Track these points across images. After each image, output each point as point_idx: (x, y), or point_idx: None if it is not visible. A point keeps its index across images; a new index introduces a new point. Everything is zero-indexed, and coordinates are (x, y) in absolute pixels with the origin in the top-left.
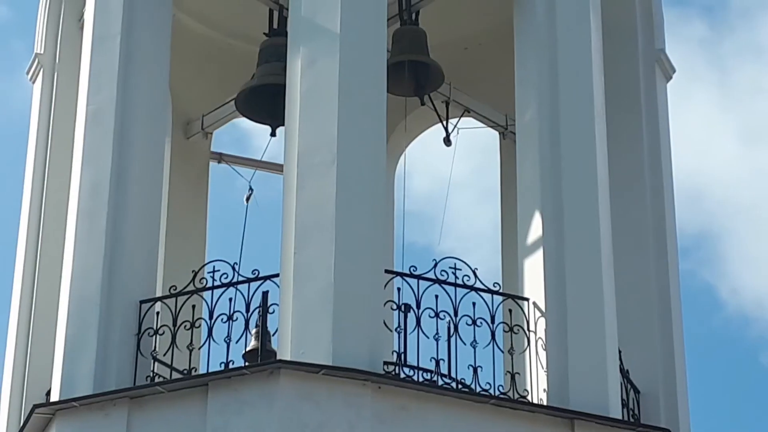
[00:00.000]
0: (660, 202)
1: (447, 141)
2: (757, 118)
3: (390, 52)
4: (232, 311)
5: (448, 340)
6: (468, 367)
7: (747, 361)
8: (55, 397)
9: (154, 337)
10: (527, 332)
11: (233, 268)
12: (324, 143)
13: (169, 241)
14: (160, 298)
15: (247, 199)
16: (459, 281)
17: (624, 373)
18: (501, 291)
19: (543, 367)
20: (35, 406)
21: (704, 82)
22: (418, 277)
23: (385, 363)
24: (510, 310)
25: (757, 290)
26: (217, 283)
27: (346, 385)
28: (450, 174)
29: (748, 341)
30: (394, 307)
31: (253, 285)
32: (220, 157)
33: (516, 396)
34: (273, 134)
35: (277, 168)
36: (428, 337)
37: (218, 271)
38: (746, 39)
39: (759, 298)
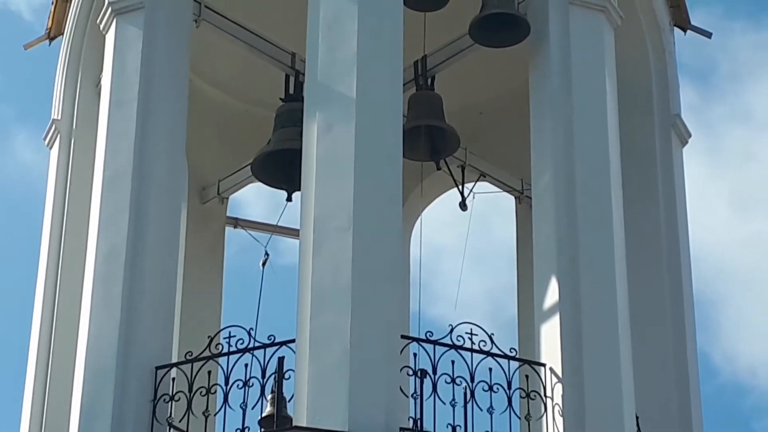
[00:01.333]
0: (677, 266)
1: (463, 205)
2: (749, 185)
3: (406, 117)
4: (247, 377)
5: (465, 406)
6: None
7: (740, 429)
8: None
9: (169, 403)
10: (544, 398)
11: (249, 334)
12: (340, 208)
13: (185, 307)
14: (175, 364)
15: (263, 264)
16: (475, 346)
17: None
18: (517, 356)
19: None
20: None
21: (695, 148)
22: (435, 343)
23: (402, 429)
24: (527, 376)
25: (751, 358)
26: (232, 348)
27: None
28: (466, 238)
29: (742, 409)
30: (411, 372)
31: (269, 351)
32: (236, 222)
33: None
34: (289, 199)
35: (293, 233)
36: (445, 403)
37: (234, 336)
38: (735, 105)
39: (753, 365)
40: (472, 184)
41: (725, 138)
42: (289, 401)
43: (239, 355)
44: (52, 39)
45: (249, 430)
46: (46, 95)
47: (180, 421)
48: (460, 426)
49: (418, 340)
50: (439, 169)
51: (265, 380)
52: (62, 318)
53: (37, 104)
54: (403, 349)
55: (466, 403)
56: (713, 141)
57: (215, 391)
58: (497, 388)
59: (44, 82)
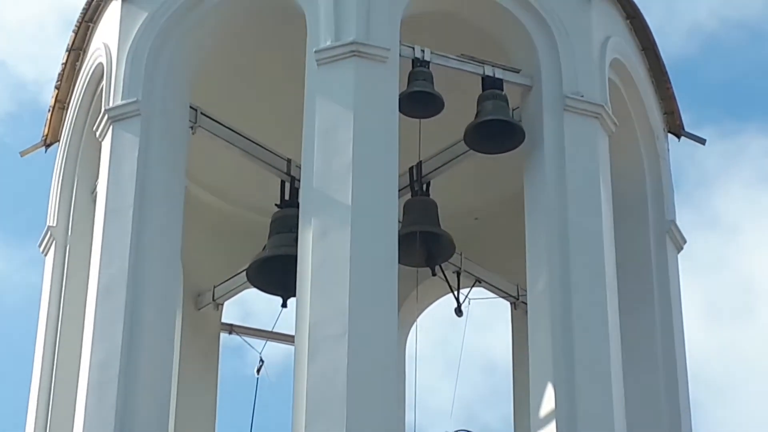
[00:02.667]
0: (673, 372)
1: (458, 311)
2: (720, 293)
3: (401, 223)
4: None
5: None
6: None
7: None
8: None
9: None
10: None
11: None
12: (335, 315)
13: (180, 415)
14: None
15: (258, 370)
16: None
17: None
18: None
19: None
20: None
21: None
22: None
23: None
24: None
25: None
26: None
27: None
28: (462, 344)
29: None
30: None
31: None
32: (231, 328)
33: None
34: (284, 305)
35: (288, 339)
36: None
37: None
38: (705, 212)
39: None
40: (468, 289)
41: (695, 245)
42: None
43: None
44: (48, 146)
45: None
46: (41, 202)
47: None
48: None
49: None
50: (434, 274)
51: None
52: (56, 427)
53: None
54: None
55: None
56: (683, 249)
57: None
58: None
59: (40, 189)
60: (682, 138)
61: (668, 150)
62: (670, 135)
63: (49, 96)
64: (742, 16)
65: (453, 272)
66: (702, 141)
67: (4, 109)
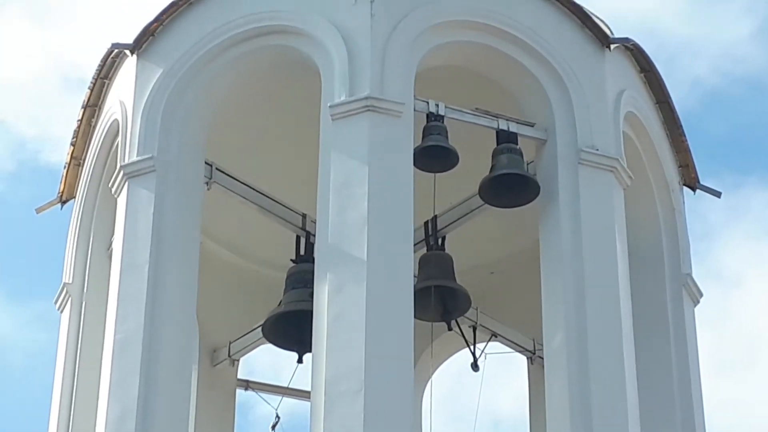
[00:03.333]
0: (691, 427)
1: (474, 366)
2: (727, 347)
3: (417, 278)
4: None
5: None
6: None
7: None
8: None
9: None
10: None
11: None
12: (351, 371)
13: None
14: None
15: (273, 427)
16: None
17: None
18: None
19: None
20: None
21: None
22: None
23: None
24: None
25: None
26: None
27: None
28: (478, 399)
29: None
30: None
31: None
32: (247, 384)
33: None
34: (300, 361)
35: (304, 395)
36: None
37: None
38: (708, 265)
39: None
40: (484, 344)
41: (702, 299)
42: None
43: None
44: (64, 202)
45: None
46: (57, 259)
47: None
48: None
49: None
50: (450, 329)
51: None
52: None
53: (48, 268)
54: None
55: None
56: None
57: None
58: None
59: (55, 245)
60: (697, 191)
61: (684, 203)
62: (685, 188)
63: (49, 154)
64: (742, 71)
65: (469, 327)
66: (717, 194)
67: (4, 167)
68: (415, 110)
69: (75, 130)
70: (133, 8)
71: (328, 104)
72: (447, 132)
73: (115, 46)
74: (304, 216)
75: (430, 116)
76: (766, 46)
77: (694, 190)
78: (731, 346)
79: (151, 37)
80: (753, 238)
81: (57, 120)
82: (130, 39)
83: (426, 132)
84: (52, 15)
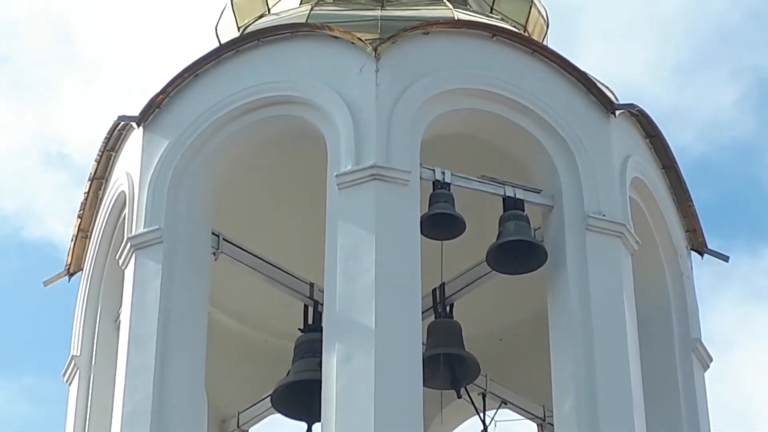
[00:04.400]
0: None
1: None
2: (720, 411)
3: (425, 346)
4: None
5: None
6: None
7: None
8: None
9: None
10: None
11: None
12: None
13: None
14: None
15: None
16: None
17: None
18: None
19: None
20: None
21: None
22: None
23: None
24: None
25: None
26: None
27: None
28: None
29: None
30: None
31: None
32: None
33: None
34: (309, 431)
35: None
36: None
37: None
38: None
39: None
40: (494, 411)
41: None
42: None
43: None
44: (71, 275)
45: None
46: (65, 331)
47: None
48: None
49: None
50: (459, 397)
51: None
52: None
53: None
54: None
55: None
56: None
57: None
58: None
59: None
60: (705, 255)
61: (692, 268)
62: (693, 252)
63: (31, 230)
64: (728, 138)
65: (478, 394)
66: (725, 258)
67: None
68: (421, 178)
69: (82, 203)
70: (115, 85)
71: (335, 173)
72: (454, 200)
73: (121, 118)
74: (311, 285)
75: (436, 184)
76: (751, 114)
77: (702, 254)
78: (724, 411)
79: (157, 109)
80: (741, 303)
81: (38, 195)
82: (112, 115)
83: (433, 200)
84: (34, 90)
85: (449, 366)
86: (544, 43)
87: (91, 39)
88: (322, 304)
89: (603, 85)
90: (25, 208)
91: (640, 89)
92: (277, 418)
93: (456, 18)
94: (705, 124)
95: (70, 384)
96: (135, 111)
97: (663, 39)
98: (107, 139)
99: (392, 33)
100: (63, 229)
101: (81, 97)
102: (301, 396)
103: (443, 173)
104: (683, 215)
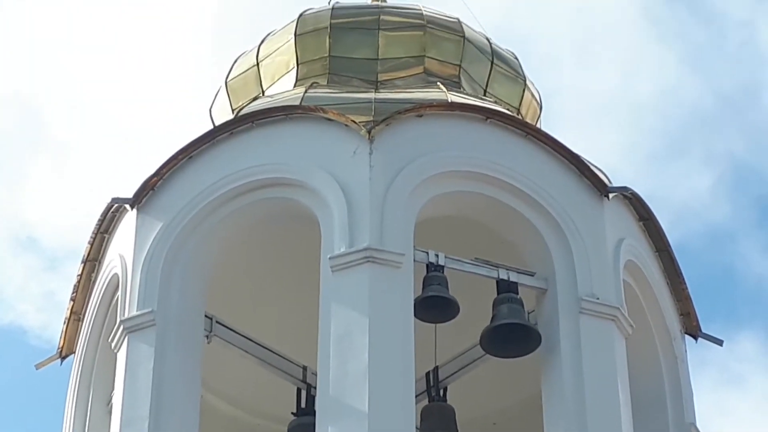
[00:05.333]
0: None
1: None
2: None
3: (419, 429)
4: None
5: None
6: None
7: None
8: None
9: None
10: None
11: None
12: None
13: None
14: None
15: None
16: None
17: None
18: None
19: None
20: None
21: None
22: None
23: None
24: None
25: None
26: None
27: None
28: None
29: None
30: None
31: None
32: None
33: None
34: None
35: None
36: None
37: None
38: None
39: None
40: None
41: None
42: None
43: None
44: (63, 358)
45: None
46: (56, 415)
47: None
48: None
49: None
50: None
51: None
52: None
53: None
54: None
55: None
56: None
57: None
58: None
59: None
60: (699, 339)
61: (686, 351)
62: (687, 336)
63: (4, 316)
64: (702, 224)
65: None
66: (719, 342)
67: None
68: (414, 261)
69: (75, 285)
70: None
71: (328, 256)
72: (447, 282)
73: (114, 200)
74: (304, 368)
75: (430, 266)
76: (726, 199)
77: (696, 338)
78: None
79: (151, 191)
80: (715, 388)
81: (7, 279)
82: (81, 199)
83: (426, 282)
84: (2, 173)
85: None
86: (538, 125)
87: (60, 122)
88: (315, 388)
89: (596, 167)
90: None
91: (613, 175)
92: None
93: (449, 100)
94: (679, 210)
95: None
96: (104, 195)
97: (636, 124)
98: (101, 221)
99: (386, 115)
100: (33, 314)
101: (50, 180)
102: None
103: (437, 255)
104: (677, 298)
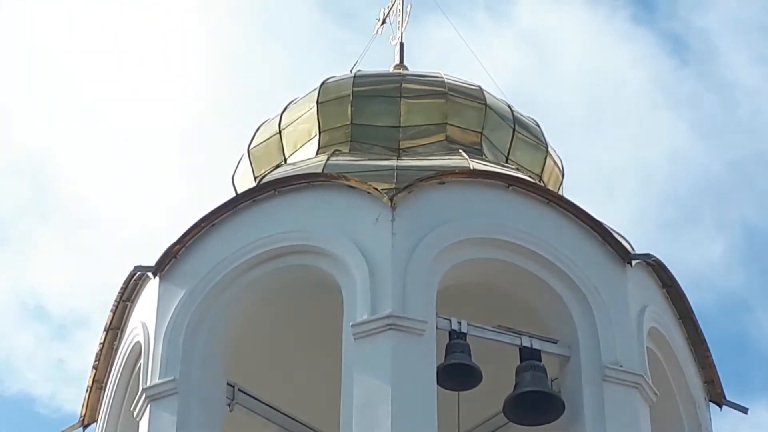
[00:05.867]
0: None
1: None
2: None
3: None
4: None
5: None
6: None
7: None
8: None
9: None
10: None
11: None
12: None
13: None
14: None
15: None
16: None
17: None
18: None
19: None
20: None
21: None
22: None
23: None
24: None
25: None
26: None
27: None
28: None
29: None
30: None
31: None
32: None
33: None
34: None
35: None
36: None
37: None
38: None
39: None
40: None
41: None
42: None
43: None
44: (86, 426)
45: None
46: None
47: None
48: None
49: None
50: None
51: None
52: None
53: None
54: None
55: None
56: None
57: None
58: None
59: None
60: (724, 407)
61: (710, 419)
62: (711, 404)
63: (10, 384)
64: (715, 292)
65: None
66: (744, 410)
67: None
68: (437, 328)
69: (97, 353)
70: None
71: (350, 323)
72: (470, 350)
73: (137, 268)
74: None
75: (452, 334)
76: (739, 266)
77: (720, 406)
78: None
79: (173, 259)
80: None
81: (15, 348)
82: (89, 267)
83: (449, 350)
84: (10, 242)
85: None
86: (560, 192)
87: (68, 191)
88: None
89: (619, 234)
90: (4, 362)
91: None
92: None
93: (471, 167)
94: (693, 278)
95: None
96: (113, 264)
97: (647, 192)
98: (123, 289)
99: (408, 182)
100: (42, 383)
101: (58, 249)
102: None
103: (459, 323)
104: (701, 366)
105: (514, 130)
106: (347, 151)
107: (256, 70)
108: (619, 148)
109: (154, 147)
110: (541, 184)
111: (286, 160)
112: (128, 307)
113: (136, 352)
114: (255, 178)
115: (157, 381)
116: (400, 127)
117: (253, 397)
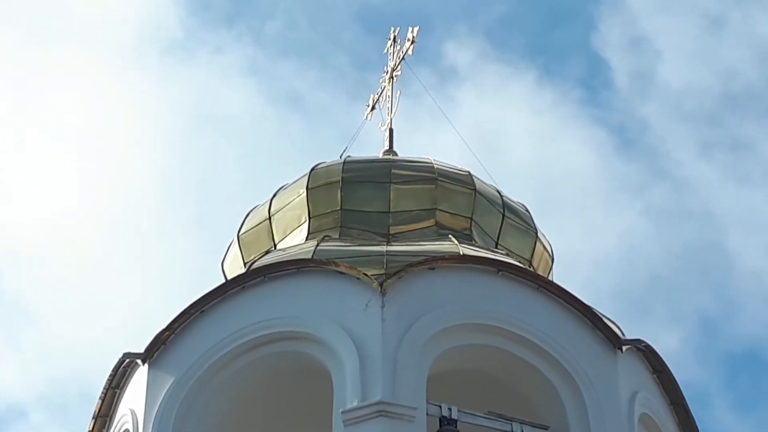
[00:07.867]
0: None
1: None
2: None
3: None
4: None
5: None
6: None
7: None
8: None
9: None
10: None
11: None
12: None
13: None
14: None
15: None
16: None
17: None
18: None
19: None
20: None
21: None
22: None
23: None
24: None
25: None
26: None
27: None
28: None
29: None
30: None
31: None
32: None
33: None
34: None
35: None
36: None
37: None
38: None
39: None
40: None
41: None
42: None
43: None
44: None
45: None
46: None
47: None
48: None
49: None
50: None
51: None
52: None
53: None
54: None
55: None
56: None
57: None
58: None
59: None
60: None
61: None
62: None
63: None
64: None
65: None
66: None
67: None
68: (427, 414)
69: None
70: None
71: (341, 410)
72: None
73: (126, 355)
74: None
75: (443, 420)
76: (697, 356)
77: None
78: None
79: (162, 346)
80: None
81: None
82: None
83: None
84: None
85: None
86: (550, 277)
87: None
88: None
89: (609, 320)
90: None
91: None
92: None
93: (461, 253)
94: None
95: None
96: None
97: (597, 283)
98: (112, 376)
99: (398, 268)
100: None
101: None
102: None
103: (450, 409)
104: None
105: (503, 215)
106: (337, 236)
107: (246, 155)
108: (570, 237)
109: (142, 233)
110: (531, 269)
111: (275, 245)
112: (117, 394)
113: None
114: (244, 264)
115: None
116: (389, 212)
117: None
